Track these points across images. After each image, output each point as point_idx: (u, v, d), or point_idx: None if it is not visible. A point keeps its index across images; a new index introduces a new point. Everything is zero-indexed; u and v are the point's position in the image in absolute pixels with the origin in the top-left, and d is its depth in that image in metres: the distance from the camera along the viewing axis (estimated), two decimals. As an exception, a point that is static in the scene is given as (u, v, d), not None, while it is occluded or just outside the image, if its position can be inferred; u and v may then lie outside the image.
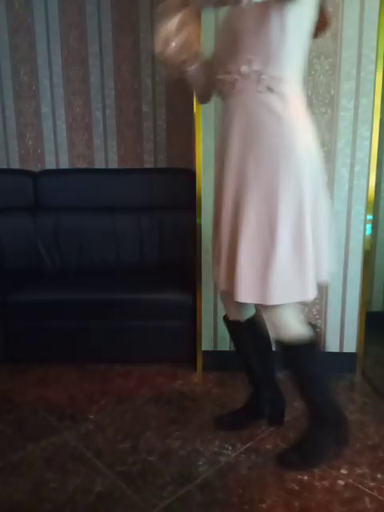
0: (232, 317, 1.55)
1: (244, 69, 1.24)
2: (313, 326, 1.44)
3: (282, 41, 1.20)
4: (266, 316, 1.35)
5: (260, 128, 1.25)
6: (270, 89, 1.23)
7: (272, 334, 1.38)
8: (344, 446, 1.48)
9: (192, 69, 1.38)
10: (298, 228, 1.24)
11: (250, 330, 1.54)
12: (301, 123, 1.26)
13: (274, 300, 1.26)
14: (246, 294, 1.28)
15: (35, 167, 2.63)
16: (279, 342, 1.37)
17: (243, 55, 1.24)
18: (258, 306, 1.42)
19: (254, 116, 1.25)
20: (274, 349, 1.48)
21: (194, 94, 1.59)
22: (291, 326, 1.34)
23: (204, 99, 1.53)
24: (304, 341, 1.34)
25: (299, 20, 1.19)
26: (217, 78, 1.34)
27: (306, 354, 1.38)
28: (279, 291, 1.26)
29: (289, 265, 1.25)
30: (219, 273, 1.37)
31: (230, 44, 1.28)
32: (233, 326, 1.58)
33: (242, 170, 1.27)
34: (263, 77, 1.23)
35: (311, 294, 1.28)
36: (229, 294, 1.34)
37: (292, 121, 1.24)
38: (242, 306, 1.47)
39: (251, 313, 1.53)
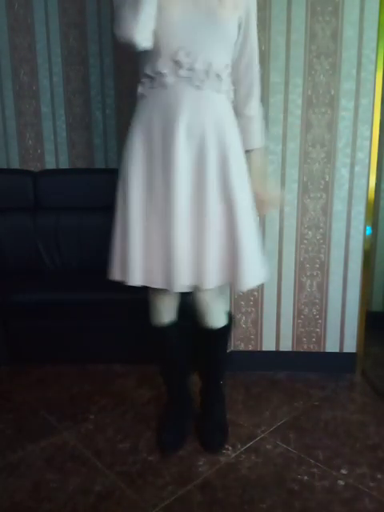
0: (167, 318, 1.50)
1: (218, 67, 1.28)
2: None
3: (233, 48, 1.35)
4: (218, 305, 1.49)
5: (231, 128, 1.34)
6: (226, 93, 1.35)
7: (209, 320, 1.49)
8: None
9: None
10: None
11: (177, 333, 1.55)
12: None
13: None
14: (215, 278, 1.34)
15: (35, 167, 2.63)
16: (220, 329, 1.51)
17: (218, 51, 1.28)
18: (200, 294, 1.44)
19: (222, 116, 1.32)
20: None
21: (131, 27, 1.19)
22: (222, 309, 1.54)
23: (142, 37, 1.21)
24: (229, 322, 1.56)
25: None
26: (170, 58, 1.25)
27: (228, 333, 1.60)
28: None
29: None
30: (173, 268, 1.30)
31: (206, 32, 1.26)
32: (169, 330, 1.52)
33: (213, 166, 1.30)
34: (223, 78, 1.32)
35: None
36: (193, 285, 1.34)
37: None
38: (174, 306, 1.50)
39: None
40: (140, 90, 1.36)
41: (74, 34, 2.49)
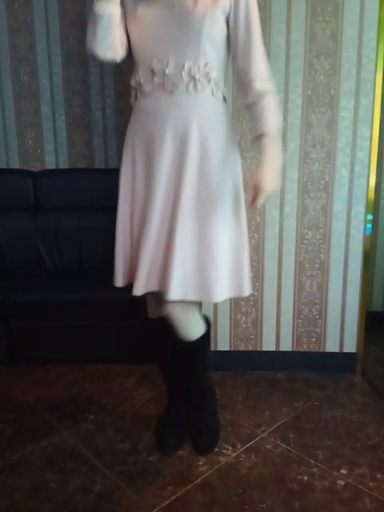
0: (158, 313, 1.44)
1: (194, 68, 1.26)
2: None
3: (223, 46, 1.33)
4: (191, 316, 1.42)
5: (213, 129, 1.32)
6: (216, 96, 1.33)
7: (182, 333, 1.40)
8: None
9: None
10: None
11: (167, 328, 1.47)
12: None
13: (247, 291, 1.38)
14: (223, 290, 1.34)
15: (35, 167, 2.63)
16: (198, 340, 1.44)
17: (195, 52, 1.26)
18: (168, 306, 1.37)
19: (202, 116, 1.30)
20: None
21: (97, 41, 1.29)
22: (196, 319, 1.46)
23: (102, 49, 1.29)
24: (207, 328, 1.49)
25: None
26: (146, 67, 1.28)
27: (206, 341, 1.52)
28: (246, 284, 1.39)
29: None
30: (170, 272, 1.28)
31: (178, 35, 1.25)
32: (160, 324, 1.45)
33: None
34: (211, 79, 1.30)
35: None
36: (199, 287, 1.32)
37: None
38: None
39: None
40: (130, 100, 1.40)
41: (73, 34, 2.50)
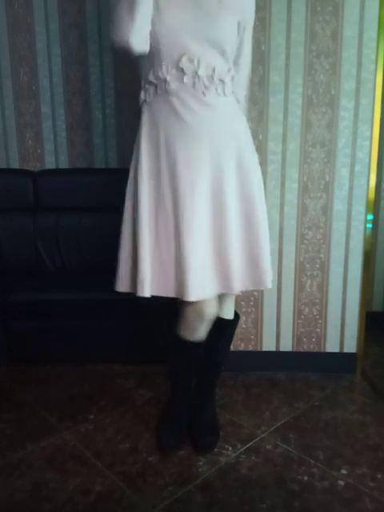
0: (199, 335, 1.44)
1: (221, 71, 1.28)
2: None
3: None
4: (230, 300, 1.53)
5: (243, 132, 1.37)
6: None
7: (221, 312, 1.51)
8: None
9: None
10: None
11: (202, 351, 1.53)
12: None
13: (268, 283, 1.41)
14: (241, 282, 1.38)
15: (35, 167, 2.63)
16: (228, 320, 1.56)
17: (220, 56, 1.27)
18: (223, 296, 1.47)
19: (232, 120, 1.33)
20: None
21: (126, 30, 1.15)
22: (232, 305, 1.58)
23: (138, 40, 1.17)
24: (236, 319, 1.61)
25: None
26: (172, 65, 1.23)
27: (234, 328, 1.63)
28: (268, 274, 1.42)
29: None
30: (194, 277, 1.27)
31: (207, 36, 1.24)
32: (196, 347, 1.47)
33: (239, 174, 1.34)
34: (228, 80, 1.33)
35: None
36: (219, 292, 1.37)
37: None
38: (208, 324, 1.44)
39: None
40: (143, 96, 1.34)
41: (73, 34, 2.50)
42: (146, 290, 1.31)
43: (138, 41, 1.16)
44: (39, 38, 2.50)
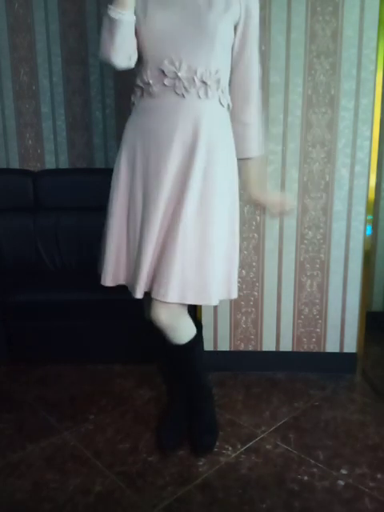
0: (147, 317, 1.44)
1: (206, 73, 1.26)
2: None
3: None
4: (165, 319, 1.35)
5: (220, 137, 1.32)
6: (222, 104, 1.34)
7: (171, 338, 1.39)
8: None
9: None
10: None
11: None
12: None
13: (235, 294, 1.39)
14: (218, 293, 1.34)
15: (35, 167, 2.63)
16: (178, 344, 1.41)
17: (206, 57, 1.25)
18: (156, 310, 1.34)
19: (209, 123, 1.29)
20: None
21: (112, 49, 1.22)
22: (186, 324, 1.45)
23: (119, 59, 1.24)
24: (198, 331, 1.49)
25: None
26: (156, 68, 1.25)
27: (198, 345, 1.49)
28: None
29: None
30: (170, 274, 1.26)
31: (191, 38, 1.23)
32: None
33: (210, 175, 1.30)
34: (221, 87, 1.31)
35: None
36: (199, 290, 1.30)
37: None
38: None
39: None
40: (132, 99, 1.38)
41: (73, 34, 2.50)
42: (108, 279, 1.39)
43: (121, 59, 1.24)
44: (39, 38, 2.50)
